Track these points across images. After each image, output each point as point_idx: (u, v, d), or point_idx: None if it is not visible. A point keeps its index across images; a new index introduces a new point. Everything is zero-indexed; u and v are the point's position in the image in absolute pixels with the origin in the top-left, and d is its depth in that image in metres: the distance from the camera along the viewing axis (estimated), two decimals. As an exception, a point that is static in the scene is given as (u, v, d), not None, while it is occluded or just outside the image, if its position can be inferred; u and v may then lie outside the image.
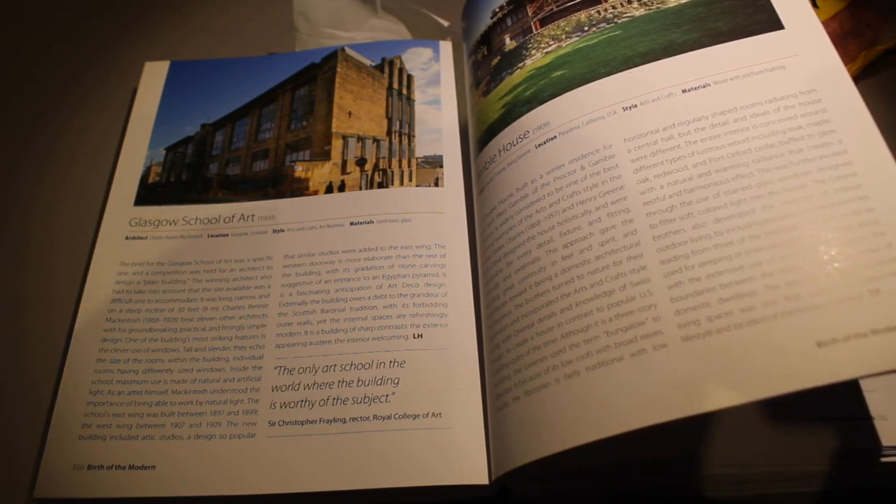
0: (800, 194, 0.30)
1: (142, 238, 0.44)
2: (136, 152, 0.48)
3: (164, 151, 0.48)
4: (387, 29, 0.54)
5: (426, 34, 0.53)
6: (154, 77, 0.51)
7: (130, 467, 0.36)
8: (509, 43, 0.43)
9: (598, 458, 0.34)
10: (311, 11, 0.53)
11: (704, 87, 0.35)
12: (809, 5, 0.35)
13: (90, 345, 0.40)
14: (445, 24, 0.52)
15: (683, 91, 0.35)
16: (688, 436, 0.34)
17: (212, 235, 0.44)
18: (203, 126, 0.50)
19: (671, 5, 0.38)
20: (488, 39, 0.44)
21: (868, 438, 0.33)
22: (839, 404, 0.34)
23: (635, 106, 0.36)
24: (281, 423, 0.37)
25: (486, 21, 0.45)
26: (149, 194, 0.46)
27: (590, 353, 0.31)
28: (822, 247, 0.29)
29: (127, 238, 0.44)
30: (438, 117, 0.48)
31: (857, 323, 0.27)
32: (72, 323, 0.41)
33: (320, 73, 0.51)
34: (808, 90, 0.33)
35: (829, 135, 0.31)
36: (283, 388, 0.38)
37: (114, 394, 0.38)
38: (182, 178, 0.47)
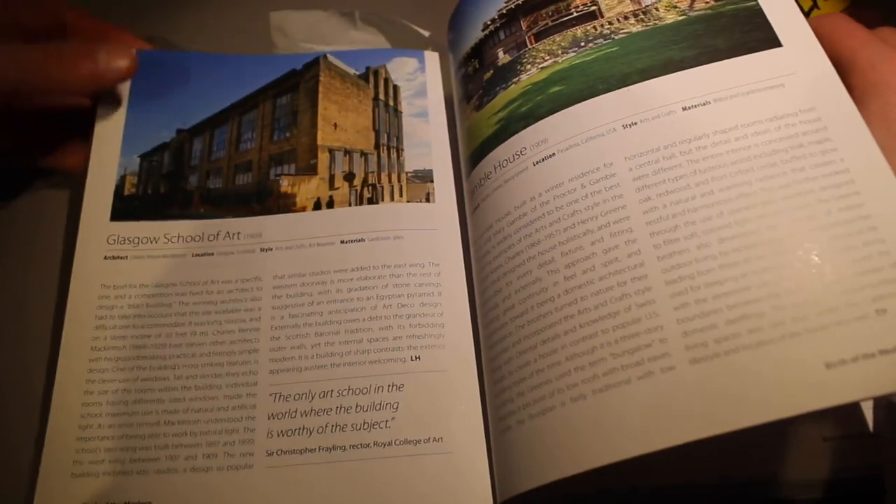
0: (803, 213, 0.30)
1: (122, 258, 0.42)
2: (108, 159, 0.44)
3: (138, 159, 0.45)
4: (366, 41, 0.53)
5: (407, 45, 0.52)
6: None
7: (125, 504, 0.35)
8: (503, 57, 0.42)
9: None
10: (289, 26, 0.52)
11: (704, 104, 0.34)
12: (806, 23, 0.35)
13: (76, 376, 0.38)
14: (426, 34, 0.51)
15: (684, 109, 0.35)
16: (692, 459, 0.34)
17: (196, 255, 0.42)
18: (179, 132, 0.47)
19: (668, 22, 0.38)
20: (480, 52, 0.44)
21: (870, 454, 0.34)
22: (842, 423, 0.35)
23: (635, 123, 0.35)
24: (279, 452, 0.36)
25: (476, 34, 0.44)
26: (126, 208, 0.43)
27: (596, 376, 0.31)
28: (828, 266, 0.29)
29: (105, 258, 0.41)
30: (427, 130, 0.47)
31: (865, 343, 0.27)
32: (53, 353, 0.39)
33: (302, 82, 0.49)
34: (807, 108, 0.33)
35: (831, 153, 0.31)
36: (280, 416, 0.37)
37: (104, 427, 0.36)
38: (160, 191, 0.45)
